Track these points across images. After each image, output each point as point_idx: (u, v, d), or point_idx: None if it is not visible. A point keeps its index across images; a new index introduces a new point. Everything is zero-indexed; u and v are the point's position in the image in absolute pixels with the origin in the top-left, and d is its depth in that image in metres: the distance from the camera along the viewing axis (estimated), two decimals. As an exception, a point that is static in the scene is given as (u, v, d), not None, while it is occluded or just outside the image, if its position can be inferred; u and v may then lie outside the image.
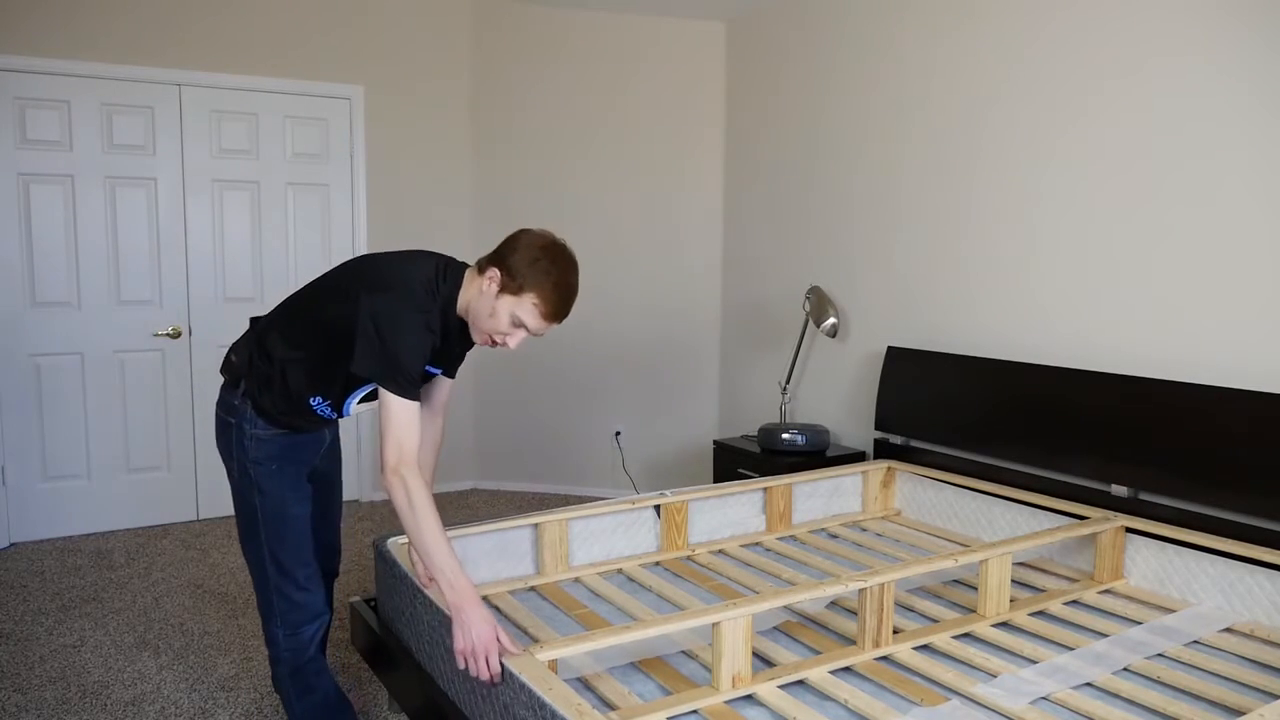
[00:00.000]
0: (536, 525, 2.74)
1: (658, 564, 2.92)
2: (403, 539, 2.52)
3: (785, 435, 3.87)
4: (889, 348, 3.70)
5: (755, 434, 4.11)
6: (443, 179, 4.92)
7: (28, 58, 3.98)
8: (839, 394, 4.13)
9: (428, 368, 2.08)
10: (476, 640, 1.81)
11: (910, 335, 3.74)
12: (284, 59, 4.49)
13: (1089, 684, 2.07)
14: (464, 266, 2.07)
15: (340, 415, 2.17)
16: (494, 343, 2.00)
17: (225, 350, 2.46)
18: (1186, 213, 2.76)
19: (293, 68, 4.51)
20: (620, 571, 2.84)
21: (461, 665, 1.84)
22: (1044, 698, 1.99)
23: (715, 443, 4.17)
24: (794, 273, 4.38)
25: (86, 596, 3.50)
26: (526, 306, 1.93)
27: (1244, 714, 1.89)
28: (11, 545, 4.10)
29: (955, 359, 3.41)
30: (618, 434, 5.02)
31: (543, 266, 1.92)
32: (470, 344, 2.16)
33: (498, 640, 1.82)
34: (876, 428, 3.73)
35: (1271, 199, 2.56)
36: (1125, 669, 2.14)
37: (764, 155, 4.53)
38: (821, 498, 3.38)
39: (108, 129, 4.17)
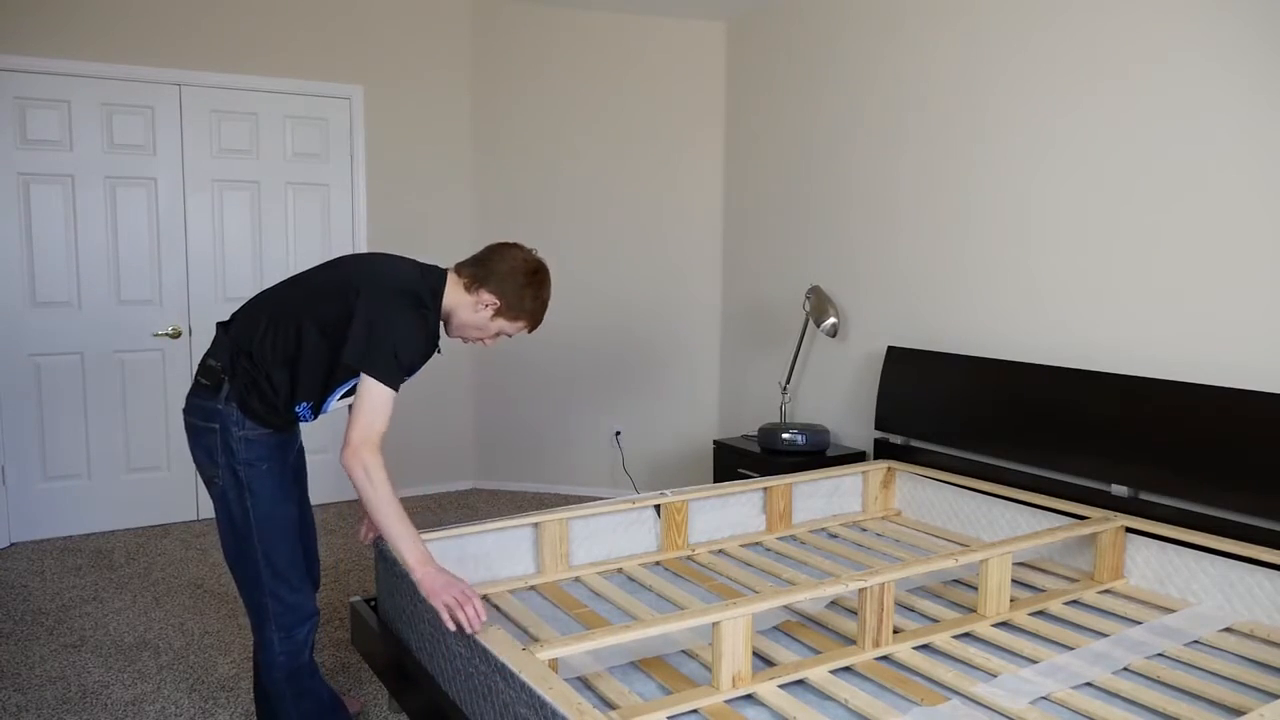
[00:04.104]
0: (536, 525, 2.74)
1: (658, 564, 2.92)
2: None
3: (785, 435, 3.87)
4: (889, 348, 3.71)
5: (755, 434, 4.11)
6: (443, 178, 4.93)
7: (28, 58, 3.98)
8: (839, 394, 4.13)
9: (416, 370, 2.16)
10: (446, 596, 1.92)
11: (910, 335, 3.74)
12: (284, 59, 4.49)
13: (1089, 684, 2.07)
14: (443, 272, 2.18)
15: (318, 415, 2.20)
16: (465, 340, 2.24)
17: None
18: (1187, 212, 2.77)
19: (293, 68, 4.51)
20: (620, 571, 2.84)
21: (451, 625, 1.92)
22: (1044, 697, 2.00)
23: (715, 443, 4.17)
24: (794, 273, 4.38)
25: (86, 596, 3.50)
26: (517, 328, 2.21)
27: (1244, 714, 1.89)
28: (11, 545, 4.10)
29: (955, 359, 3.41)
30: (618, 434, 5.02)
31: (540, 300, 2.18)
32: None
33: (471, 590, 1.94)
34: (876, 428, 3.73)
35: (1272, 198, 2.56)
36: (1125, 669, 2.15)
37: (764, 155, 4.53)
38: (821, 498, 3.38)
39: (108, 129, 4.17)
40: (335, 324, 2.03)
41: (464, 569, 2.66)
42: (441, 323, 2.18)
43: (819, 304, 3.94)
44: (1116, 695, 2.02)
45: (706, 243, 4.89)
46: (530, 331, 2.23)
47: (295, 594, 2.15)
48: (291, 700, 2.21)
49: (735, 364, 4.83)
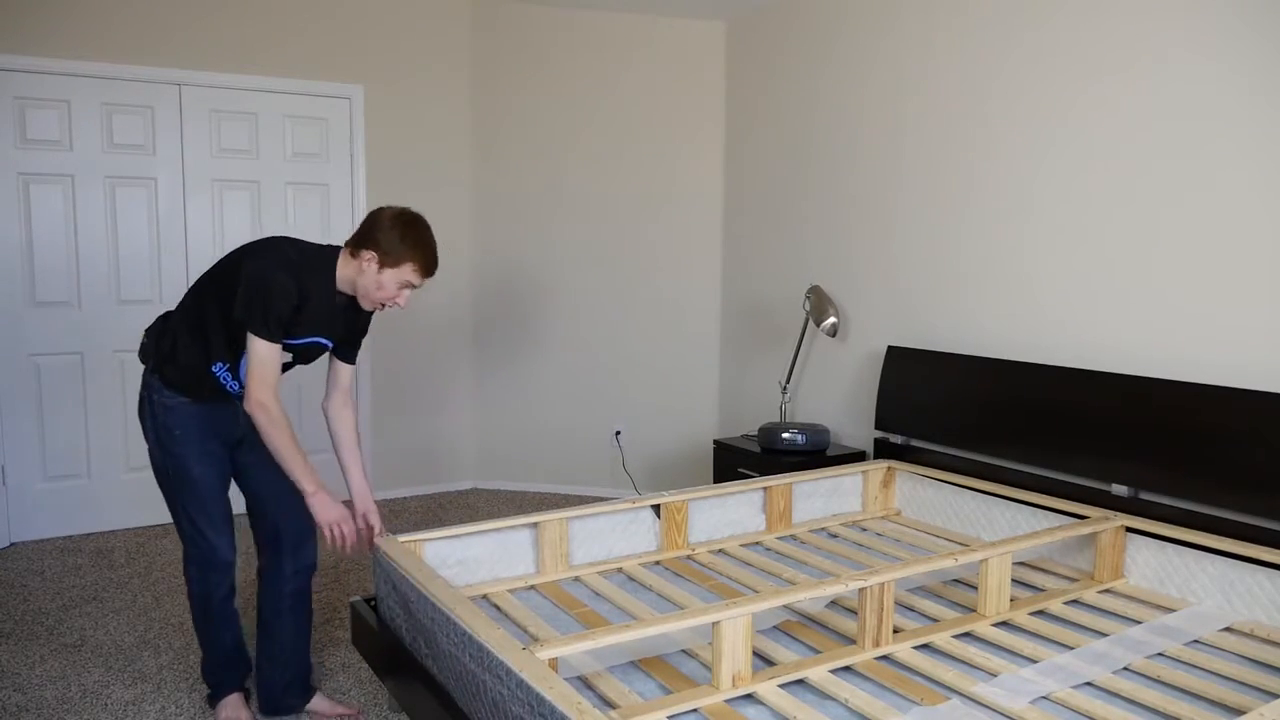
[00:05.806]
0: (536, 525, 2.74)
1: (658, 563, 2.92)
2: (401, 536, 2.54)
3: (785, 435, 3.87)
4: (889, 347, 3.71)
5: (755, 433, 4.11)
6: (443, 178, 4.92)
7: (28, 57, 3.98)
8: (839, 393, 4.13)
9: (318, 339, 2.40)
10: (325, 518, 2.32)
11: (910, 335, 3.74)
12: (284, 59, 4.49)
13: (1089, 683, 2.07)
14: (335, 249, 2.40)
15: (238, 378, 2.39)
16: (383, 306, 2.40)
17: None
18: (1186, 212, 2.77)
19: (293, 68, 4.51)
20: (620, 571, 2.84)
21: (329, 543, 2.35)
22: (1044, 697, 2.00)
23: (715, 442, 4.17)
24: (794, 273, 4.38)
25: (86, 596, 3.50)
26: (408, 272, 2.34)
27: (1244, 714, 1.89)
28: (11, 545, 4.10)
29: (955, 359, 3.41)
30: (618, 434, 5.02)
31: (411, 238, 2.33)
32: (365, 327, 2.55)
33: (349, 517, 2.36)
34: (876, 427, 3.73)
35: (1272, 197, 2.56)
36: (1125, 668, 2.15)
37: (764, 155, 4.53)
38: (821, 497, 3.38)
39: (108, 128, 4.17)
40: (228, 293, 2.28)
41: (464, 569, 2.67)
42: (356, 298, 2.39)
43: (819, 304, 3.94)
44: (1116, 695, 2.02)
45: (706, 243, 4.89)
46: (426, 275, 2.37)
47: (207, 543, 2.42)
48: (201, 632, 2.51)
49: (735, 364, 4.83)
